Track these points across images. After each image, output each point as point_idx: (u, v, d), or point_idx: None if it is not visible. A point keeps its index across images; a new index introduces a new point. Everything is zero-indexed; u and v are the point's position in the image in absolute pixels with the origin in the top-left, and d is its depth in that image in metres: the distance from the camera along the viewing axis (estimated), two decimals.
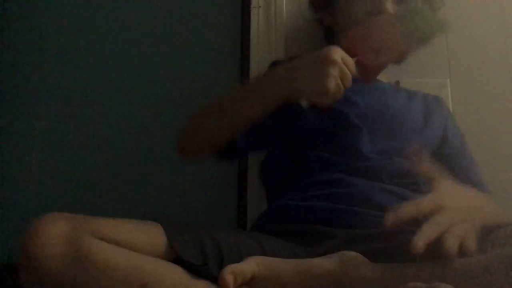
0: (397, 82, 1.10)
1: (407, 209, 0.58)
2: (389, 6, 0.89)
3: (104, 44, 1.27)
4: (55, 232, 0.55)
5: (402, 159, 0.84)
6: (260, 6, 1.20)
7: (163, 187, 1.18)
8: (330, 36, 1.05)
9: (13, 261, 0.57)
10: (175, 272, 0.59)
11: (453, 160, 0.92)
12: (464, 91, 1.15)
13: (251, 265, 0.57)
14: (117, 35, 1.28)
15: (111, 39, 1.27)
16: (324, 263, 0.57)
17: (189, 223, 0.74)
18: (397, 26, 0.79)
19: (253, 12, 1.19)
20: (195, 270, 0.60)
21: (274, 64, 1.03)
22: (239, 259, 0.59)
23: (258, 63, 1.16)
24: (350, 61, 0.74)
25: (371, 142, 0.85)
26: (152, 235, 0.62)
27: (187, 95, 1.24)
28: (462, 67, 1.17)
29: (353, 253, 0.61)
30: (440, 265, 0.52)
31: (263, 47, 1.17)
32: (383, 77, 1.01)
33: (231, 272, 0.54)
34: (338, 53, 0.73)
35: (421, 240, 0.53)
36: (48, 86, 1.25)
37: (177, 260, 0.60)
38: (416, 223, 0.73)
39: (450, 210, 0.58)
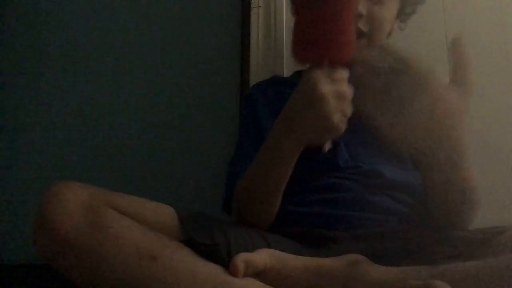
0: None
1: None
2: (360, 5, 0.83)
3: (104, 44, 1.27)
4: (73, 199, 0.57)
5: (386, 166, 0.82)
6: (260, 6, 1.20)
7: (164, 185, 1.18)
8: None
9: (13, 261, 0.57)
10: (184, 250, 0.60)
11: None
12: None
13: (263, 257, 0.57)
14: (117, 35, 1.28)
15: (111, 39, 1.28)
16: (333, 263, 0.57)
17: None
18: None
19: (253, 12, 1.20)
20: (203, 254, 0.61)
21: (275, 78, 1.03)
22: (245, 250, 0.59)
23: (258, 63, 1.16)
24: (335, 74, 0.65)
25: (352, 152, 0.83)
26: (164, 215, 0.64)
27: (187, 94, 1.24)
28: None
29: (360, 257, 0.60)
30: (442, 268, 0.52)
31: (263, 47, 1.17)
32: None
33: (243, 260, 0.54)
34: (321, 83, 0.64)
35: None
36: (48, 85, 1.25)
37: (186, 243, 0.61)
38: (416, 226, 0.75)
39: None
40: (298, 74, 1.01)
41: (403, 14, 0.98)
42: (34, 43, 1.28)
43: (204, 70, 1.25)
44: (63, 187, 0.58)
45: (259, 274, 0.56)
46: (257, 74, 1.15)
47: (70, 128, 1.23)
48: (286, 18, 1.19)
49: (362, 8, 0.84)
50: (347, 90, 0.65)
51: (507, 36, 1.19)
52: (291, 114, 0.69)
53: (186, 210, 0.66)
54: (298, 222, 0.77)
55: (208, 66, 1.26)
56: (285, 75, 1.13)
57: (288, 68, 1.15)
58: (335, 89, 0.64)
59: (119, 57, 1.26)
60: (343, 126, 0.67)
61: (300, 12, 0.63)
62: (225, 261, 0.58)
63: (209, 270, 0.58)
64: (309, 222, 0.77)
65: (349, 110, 0.66)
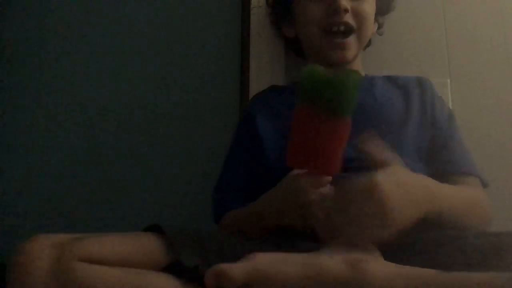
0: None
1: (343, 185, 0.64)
2: (344, 1, 0.91)
3: (104, 44, 1.27)
4: (40, 261, 0.54)
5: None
6: (260, 6, 1.20)
7: (165, 187, 1.18)
8: (297, 48, 1.07)
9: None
10: (171, 286, 0.57)
11: (439, 141, 0.90)
12: (464, 91, 1.15)
13: (244, 267, 0.52)
14: (117, 35, 1.28)
15: (111, 39, 1.27)
16: (335, 266, 0.53)
17: (190, 225, 0.74)
18: (318, 111, 0.66)
19: (253, 12, 1.19)
20: (194, 274, 0.58)
21: (273, 87, 1.04)
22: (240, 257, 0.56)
23: (258, 63, 1.16)
24: (320, 182, 0.71)
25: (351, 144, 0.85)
26: (146, 243, 0.60)
27: (187, 95, 1.24)
28: (462, 67, 1.17)
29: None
30: (463, 277, 0.49)
31: (263, 47, 1.17)
32: (358, 69, 1.01)
33: (214, 273, 0.51)
34: (309, 191, 0.70)
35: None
36: (48, 86, 1.25)
37: (176, 265, 0.59)
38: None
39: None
40: (295, 84, 1.03)
41: (381, 12, 1.04)
42: (34, 43, 1.28)
43: (203, 70, 1.25)
44: (28, 248, 0.55)
45: (249, 284, 0.51)
46: (257, 74, 1.15)
47: (69, 128, 1.22)
48: None
49: (346, 4, 0.91)
50: (330, 192, 0.70)
51: (507, 36, 1.19)
52: (277, 205, 0.75)
53: (172, 228, 0.63)
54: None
55: (208, 66, 1.25)
56: (284, 75, 1.13)
57: (287, 68, 1.15)
58: (320, 193, 0.70)
59: (118, 55, 1.26)
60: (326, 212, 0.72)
61: (297, 127, 0.69)
62: None
63: None
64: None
65: (327, 201, 0.71)
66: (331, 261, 0.53)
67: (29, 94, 1.25)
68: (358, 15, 0.94)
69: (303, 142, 0.68)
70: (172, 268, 0.60)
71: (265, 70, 1.15)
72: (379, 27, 1.08)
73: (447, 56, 1.18)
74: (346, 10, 0.92)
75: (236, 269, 0.51)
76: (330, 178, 0.71)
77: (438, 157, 0.88)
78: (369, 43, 1.07)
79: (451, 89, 1.15)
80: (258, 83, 1.14)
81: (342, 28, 0.93)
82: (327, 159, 0.68)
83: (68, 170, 1.20)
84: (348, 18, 0.93)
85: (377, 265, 0.53)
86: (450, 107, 1.11)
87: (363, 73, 1.02)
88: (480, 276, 0.48)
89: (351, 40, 0.94)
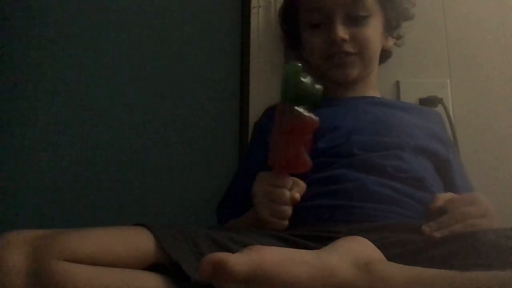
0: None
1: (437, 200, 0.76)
2: (341, 32, 0.92)
3: (104, 44, 1.27)
4: (15, 262, 0.50)
5: (402, 152, 0.85)
6: (260, 6, 1.20)
7: (165, 187, 1.18)
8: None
9: None
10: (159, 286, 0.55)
11: (448, 168, 0.93)
12: (464, 91, 1.15)
13: (247, 261, 0.46)
14: (117, 35, 1.27)
15: (111, 39, 1.27)
16: (345, 271, 0.50)
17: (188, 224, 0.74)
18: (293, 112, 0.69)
19: (253, 12, 1.20)
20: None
21: (268, 109, 1.05)
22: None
23: (258, 63, 1.16)
24: (276, 180, 0.72)
25: (364, 142, 0.86)
26: (137, 239, 0.58)
27: (186, 95, 1.23)
28: (462, 67, 1.17)
29: (360, 239, 0.58)
30: (474, 275, 0.47)
31: (263, 47, 1.17)
32: (372, 91, 1.02)
33: (212, 262, 0.44)
34: (257, 183, 0.74)
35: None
36: (48, 87, 1.25)
37: (167, 260, 0.57)
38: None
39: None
40: None
41: (390, 29, 1.03)
42: (34, 42, 1.28)
43: (204, 70, 1.25)
44: (1, 249, 0.51)
45: (248, 282, 0.46)
46: (257, 74, 1.15)
47: (68, 130, 1.22)
48: None
49: (344, 33, 0.92)
50: (280, 195, 0.71)
51: (507, 36, 1.19)
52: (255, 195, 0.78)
53: (163, 226, 0.61)
54: (301, 218, 0.77)
55: (208, 66, 1.25)
56: None
57: None
58: (268, 191, 0.72)
59: (117, 57, 1.26)
60: (278, 225, 0.72)
61: (273, 127, 0.73)
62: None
63: None
64: (312, 216, 0.77)
65: (284, 213, 0.71)
66: (341, 263, 0.50)
67: (29, 93, 1.25)
68: (358, 41, 0.93)
69: (276, 137, 0.72)
70: (161, 264, 0.58)
71: (265, 70, 1.15)
72: (398, 38, 1.07)
73: (447, 56, 1.18)
74: (343, 40, 0.92)
75: (238, 261, 0.45)
76: (286, 176, 0.72)
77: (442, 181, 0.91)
78: (389, 55, 1.07)
79: (451, 89, 1.15)
80: (258, 83, 1.14)
81: (342, 55, 0.94)
82: (288, 157, 0.71)
83: (67, 171, 1.20)
84: (347, 47, 0.93)
85: (386, 268, 0.51)
86: (450, 107, 1.12)
87: (378, 95, 1.03)
88: (496, 274, 0.46)
89: (352, 58, 0.94)
